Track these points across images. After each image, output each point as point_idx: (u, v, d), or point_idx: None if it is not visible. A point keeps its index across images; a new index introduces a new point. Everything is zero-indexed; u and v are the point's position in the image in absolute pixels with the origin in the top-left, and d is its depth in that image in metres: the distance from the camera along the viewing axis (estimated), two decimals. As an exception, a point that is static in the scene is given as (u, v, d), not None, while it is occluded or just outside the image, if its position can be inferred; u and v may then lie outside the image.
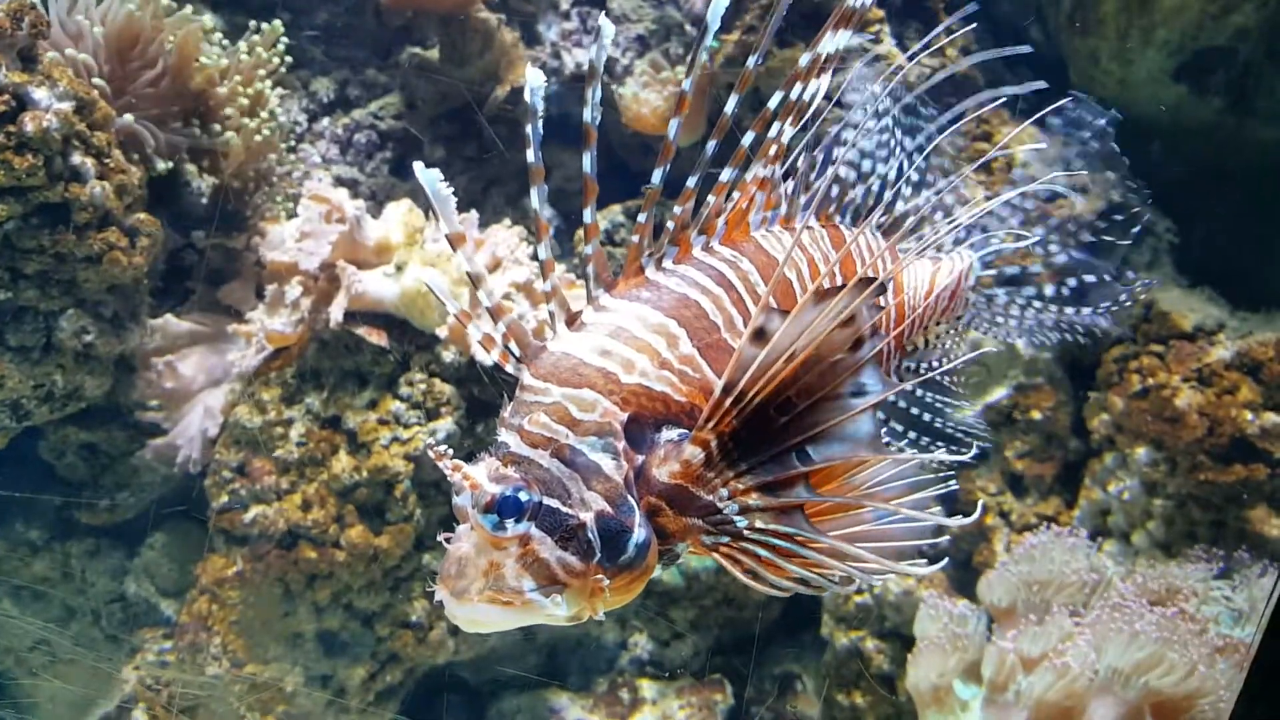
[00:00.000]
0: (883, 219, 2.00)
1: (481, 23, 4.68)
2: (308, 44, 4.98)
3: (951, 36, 1.93)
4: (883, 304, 1.36)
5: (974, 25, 2.07)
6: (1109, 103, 2.21)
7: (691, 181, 1.57)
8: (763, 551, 1.47)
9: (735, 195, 1.64)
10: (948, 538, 3.99)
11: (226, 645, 3.99)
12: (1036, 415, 3.91)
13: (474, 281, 1.50)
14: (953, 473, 1.65)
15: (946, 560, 1.67)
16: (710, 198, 1.62)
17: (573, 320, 1.55)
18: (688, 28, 4.90)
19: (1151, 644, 3.00)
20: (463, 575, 1.41)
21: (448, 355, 4.09)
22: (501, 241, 4.33)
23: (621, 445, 1.45)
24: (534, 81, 1.48)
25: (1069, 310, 2.19)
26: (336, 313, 3.94)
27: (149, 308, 4.36)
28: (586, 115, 1.48)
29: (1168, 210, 4.02)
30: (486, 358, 4.02)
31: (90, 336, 3.92)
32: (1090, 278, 2.18)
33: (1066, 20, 4.12)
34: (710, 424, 1.43)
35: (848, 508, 1.54)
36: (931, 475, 1.59)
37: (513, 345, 1.56)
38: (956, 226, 1.97)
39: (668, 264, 1.59)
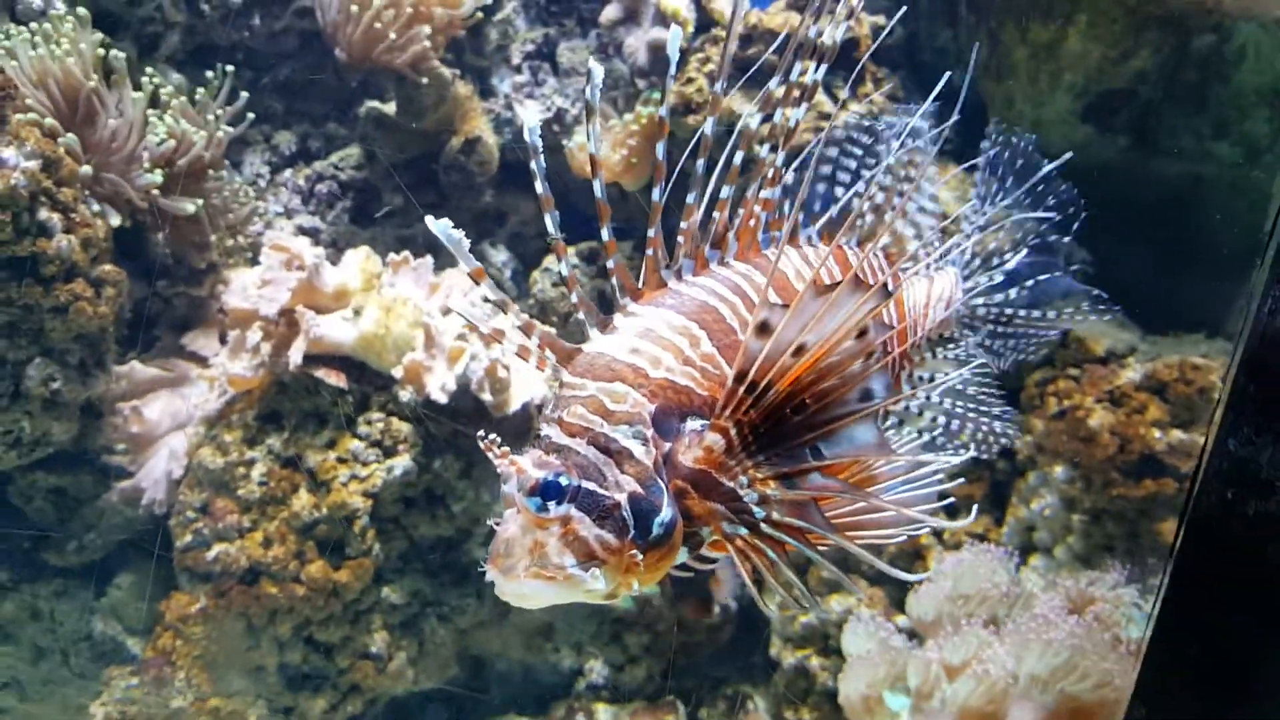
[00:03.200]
0: (887, 242, 2.20)
1: (436, 77, 4.90)
2: (270, 99, 5.19)
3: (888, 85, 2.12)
4: (882, 305, 1.51)
5: (899, 71, 2.28)
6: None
7: (691, 198, 1.73)
8: (772, 553, 1.61)
9: (740, 212, 1.81)
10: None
11: (191, 678, 4.11)
12: (965, 438, 4.10)
13: (501, 307, 1.65)
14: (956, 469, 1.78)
15: (974, 514, 1.84)
16: (715, 214, 1.77)
17: (605, 326, 1.71)
18: (634, 80, 5.14)
19: (1067, 651, 3.17)
20: (510, 554, 1.53)
21: (404, 394, 4.25)
22: (456, 285, 4.52)
23: (650, 433, 1.59)
24: (531, 122, 1.63)
25: (1034, 314, 2.39)
26: (296, 356, 4.11)
27: (115, 354, 4.51)
28: (591, 147, 1.64)
29: (1083, 242, 4.25)
30: (442, 396, 4.20)
31: (57, 384, 4.08)
32: (1044, 276, 2.39)
33: (984, 66, 4.37)
34: (727, 411, 1.57)
35: (861, 485, 1.68)
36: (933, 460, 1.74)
37: (548, 353, 1.69)
38: (954, 246, 2.22)
39: (687, 276, 1.76)
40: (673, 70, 1.64)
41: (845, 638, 3.71)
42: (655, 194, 1.69)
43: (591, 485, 1.55)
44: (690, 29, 4.73)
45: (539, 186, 1.63)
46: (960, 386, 2.26)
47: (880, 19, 4.84)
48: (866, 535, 1.68)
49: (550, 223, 1.66)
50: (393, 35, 4.78)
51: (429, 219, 1.60)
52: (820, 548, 1.63)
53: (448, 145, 5.11)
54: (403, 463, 4.23)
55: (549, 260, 5.21)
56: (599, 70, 1.64)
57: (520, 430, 4.46)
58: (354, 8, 4.74)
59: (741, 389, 1.57)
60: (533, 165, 1.61)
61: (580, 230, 5.21)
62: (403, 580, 4.37)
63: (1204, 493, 1.81)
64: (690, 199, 1.73)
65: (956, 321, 2.32)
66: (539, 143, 1.62)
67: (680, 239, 1.75)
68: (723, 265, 1.80)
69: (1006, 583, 3.53)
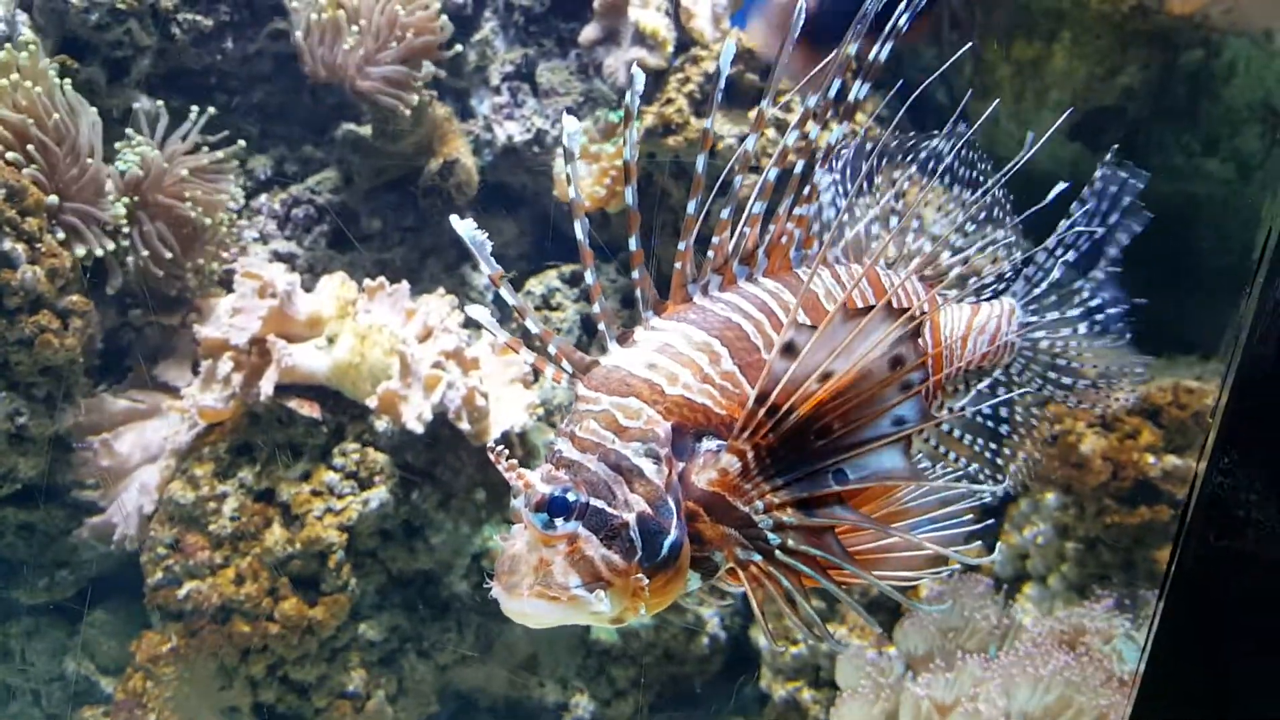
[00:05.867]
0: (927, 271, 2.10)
1: (414, 99, 4.81)
2: (245, 122, 5.10)
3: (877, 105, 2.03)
4: (917, 334, 1.45)
5: (879, 91, 2.19)
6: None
7: (725, 214, 1.68)
8: (786, 582, 1.55)
9: (771, 228, 1.76)
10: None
11: (161, 722, 4.00)
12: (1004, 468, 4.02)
13: (520, 314, 1.59)
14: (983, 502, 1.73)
15: (997, 552, 1.77)
16: (745, 229, 1.72)
17: (625, 339, 1.66)
18: (615, 99, 5.07)
19: (1059, 687, 3.08)
20: (515, 571, 1.48)
21: (381, 425, 4.15)
22: (433, 310, 4.43)
23: (664, 451, 1.54)
24: (570, 127, 1.57)
25: (1098, 343, 2.29)
26: (267, 387, 4.01)
27: (86, 386, 4.41)
28: (627, 154, 1.59)
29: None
30: (418, 426, 4.11)
31: (23, 418, 3.97)
32: (1114, 310, 2.30)
33: (968, 85, 4.30)
34: (745, 434, 1.52)
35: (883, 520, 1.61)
36: (960, 493, 1.68)
37: (565, 364, 1.65)
38: (995, 274, 2.13)
39: (713, 291, 1.71)
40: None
41: (839, 670, 3.61)
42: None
43: (600, 503, 1.50)
44: (670, 49, 4.65)
45: (572, 191, 1.57)
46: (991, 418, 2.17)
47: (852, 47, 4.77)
48: (889, 576, 1.61)
49: (580, 230, 1.60)
50: (362, 52, 4.69)
51: (454, 219, 1.56)
52: (836, 579, 1.56)
53: (426, 167, 5.02)
54: (379, 494, 4.13)
55: (531, 283, 5.12)
56: (641, 77, 1.58)
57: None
58: (328, 31, 4.65)
59: (762, 411, 1.51)
60: (568, 169, 1.57)
61: (566, 252, 5.14)
62: (381, 616, 4.27)
63: (1196, 520, 1.72)
64: (724, 214, 1.68)
65: (1011, 354, 2.21)
66: (576, 147, 1.57)
67: (711, 254, 1.71)
68: (751, 282, 1.75)
69: (995, 615, 3.43)
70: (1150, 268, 4.07)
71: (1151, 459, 3.57)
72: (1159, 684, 1.78)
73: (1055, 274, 2.21)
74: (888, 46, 1.71)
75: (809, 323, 1.48)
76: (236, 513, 4.10)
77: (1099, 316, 2.26)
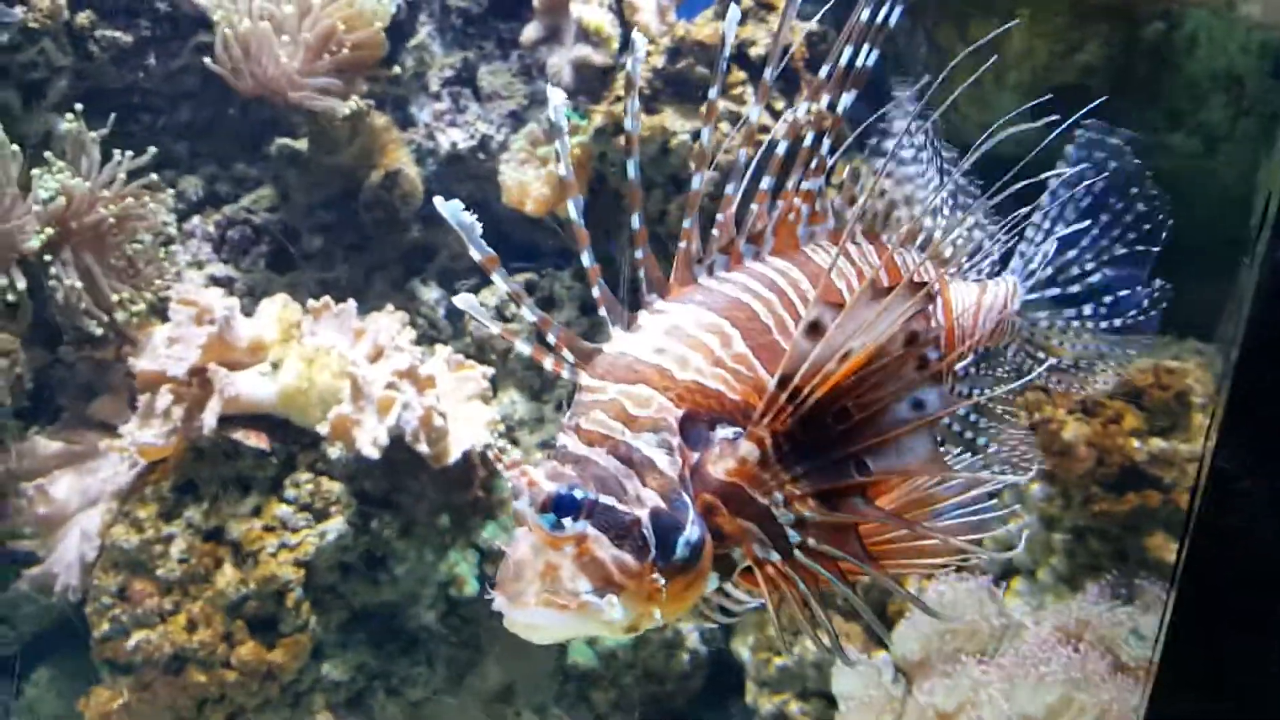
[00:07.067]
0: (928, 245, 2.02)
1: (349, 109, 4.60)
2: (172, 142, 4.85)
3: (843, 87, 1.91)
4: (933, 314, 1.40)
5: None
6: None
7: (730, 189, 1.61)
8: (804, 585, 1.47)
9: (779, 204, 1.69)
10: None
11: (114, 784, 3.76)
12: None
13: (515, 300, 1.51)
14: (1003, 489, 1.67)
15: (1022, 544, 1.78)
16: (753, 206, 1.65)
17: (629, 323, 1.57)
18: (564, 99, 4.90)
19: (1060, 686, 2.97)
20: (519, 578, 1.38)
21: (334, 452, 3.95)
22: (383, 328, 4.23)
23: (676, 441, 1.45)
24: (556, 100, 1.50)
25: (1104, 325, 2.21)
26: (210, 419, 3.79)
27: (16, 429, 4.17)
28: (628, 125, 1.54)
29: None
30: (373, 451, 3.91)
31: (-53, 467, 3.72)
32: (1124, 291, 2.21)
33: (924, 70, 4.19)
34: (765, 420, 1.43)
35: (906, 510, 1.54)
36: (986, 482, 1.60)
37: (566, 353, 1.56)
38: (999, 245, 2.03)
39: (719, 272, 1.63)
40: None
41: (836, 679, 3.48)
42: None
43: (610, 499, 1.40)
44: (615, 45, 4.49)
45: (562, 170, 1.51)
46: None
47: (814, 25, 4.66)
48: (908, 564, 1.54)
49: (573, 209, 1.52)
50: (297, 64, 4.48)
51: (437, 200, 1.46)
52: (855, 580, 1.49)
53: (367, 180, 4.81)
54: (336, 526, 3.93)
55: (485, 294, 4.93)
56: (642, 44, 1.53)
57: (463, 481, 4.17)
58: (254, 43, 4.43)
59: (784, 395, 1.41)
60: (556, 146, 1.50)
61: (518, 262, 4.96)
62: (345, 654, 4.07)
63: (1206, 506, 1.67)
64: (729, 189, 1.62)
65: (1014, 335, 2.13)
66: (564, 122, 1.51)
67: (716, 232, 1.63)
68: (758, 261, 1.67)
69: (995, 614, 3.32)
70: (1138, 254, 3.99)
71: (1136, 443, 3.48)
72: (1173, 672, 1.73)
73: (1050, 248, 2.11)
74: (898, 10, 1.60)
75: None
76: (185, 554, 3.88)
77: (1106, 298, 2.15)
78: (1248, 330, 1.72)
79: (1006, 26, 1.85)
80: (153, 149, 4.24)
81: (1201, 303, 3.61)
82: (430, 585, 4.14)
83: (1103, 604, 3.27)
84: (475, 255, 1.47)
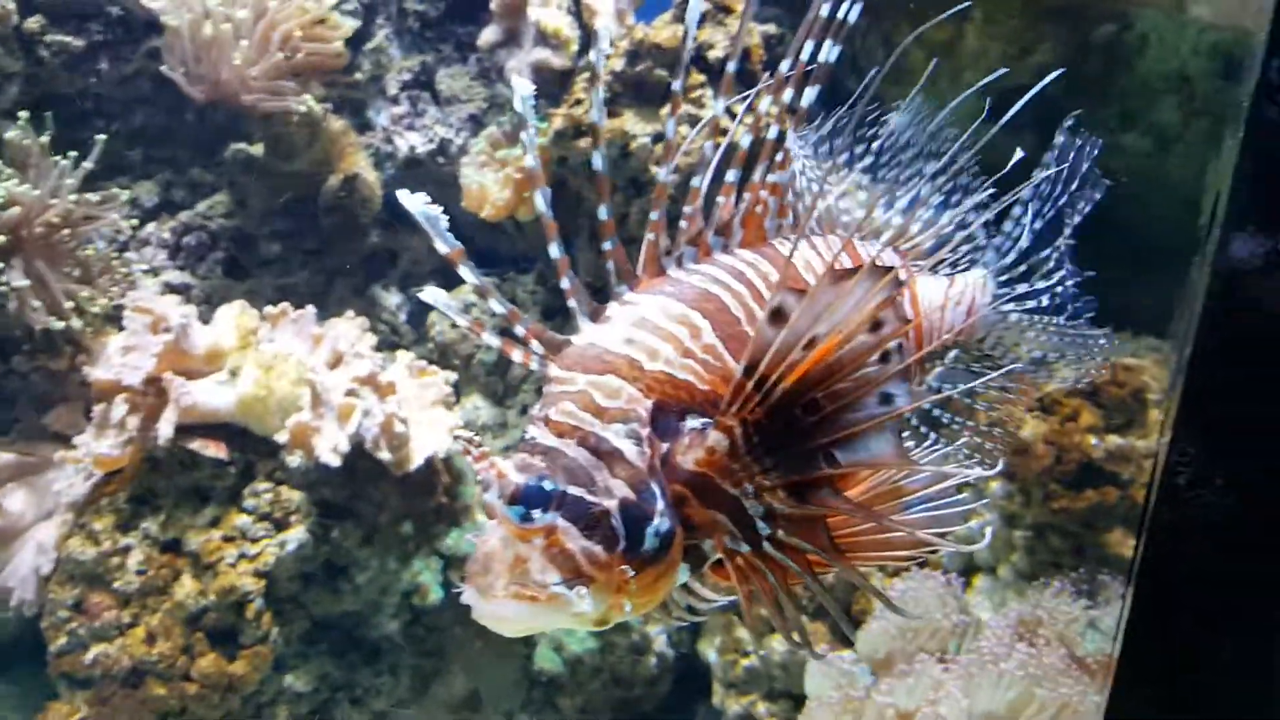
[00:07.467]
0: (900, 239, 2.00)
1: (305, 114, 4.56)
2: (126, 148, 4.78)
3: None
4: (900, 304, 1.39)
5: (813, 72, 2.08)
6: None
7: (697, 181, 1.61)
8: (773, 578, 1.47)
9: (746, 197, 1.69)
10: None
11: (72, 802, 3.69)
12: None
13: (482, 293, 1.51)
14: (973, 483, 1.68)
15: (987, 540, 1.70)
16: (719, 198, 1.65)
17: (597, 314, 1.57)
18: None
19: (1020, 683, 2.99)
20: (488, 571, 1.37)
21: (294, 460, 3.90)
22: (343, 335, 4.19)
23: (646, 432, 1.45)
24: (523, 90, 1.50)
25: (1062, 321, 2.19)
26: (166, 428, 3.74)
27: (-33, 443, 4.09)
28: (593, 115, 1.53)
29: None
30: (334, 459, 3.87)
31: (-105, 482, 3.63)
32: (1071, 284, 2.20)
33: (878, 69, 4.21)
34: (733, 409, 1.42)
35: (874, 503, 1.54)
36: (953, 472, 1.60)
37: (535, 345, 1.55)
38: (967, 239, 2.03)
39: (688, 264, 1.63)
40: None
41: (808, 679, 3.48)
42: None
43: (579, 490, 1.40)
44: (574, 47, 4.48)
45: (529, 160, 1.51)
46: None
47: (771, 28, 4.67)
48: (875, 556, 1.54)
49: (540, 200, 1.51)
50: (254, 72, 4.43)
51: (402, 194, 1.46)
52: (823, 574, 1.50)
53: (325, 185, 4.77)
54: (296, 535, 3.88)
55: (450, 297, 4.88)
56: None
57: (426, 488, 4.14)
58: (207, 48, 4.38)
59: (751, 383, 1.41)
60: (523, 137, 1.51)
61: (478, 262, 4.92)
62: (307, 665, 4.01)
63: (1161, 501, 1.68)
64: (695, 182, 1.62)
65: (985, 328, 2.12)
66: (532, 113, 1.49)
67: (684, 223, 1.63)
68: (727, 253, 1.67)
69: (954, 611, 3.33)
70: (1072, 246, 4.03)
71: (1094, 440, 3.52)
72: (1132, 666, 1.75)
73: (1024, 242, 2.12)
74: (856, 7, 1.61)
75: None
76: (143, 566, 3.82)
77: (1058, 289, 2.17)
78: (1200, 327, 1.74)
79: (955, 9, 1.86)
80: (96, 149, 4.16)
81: (1156, 300, 3.66)
82: (393, 594, 4.11)
83: (1060, 600, 3.29)
84: (441, 248, 1.46)
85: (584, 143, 4.29)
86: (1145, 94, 3.83)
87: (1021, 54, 3.87)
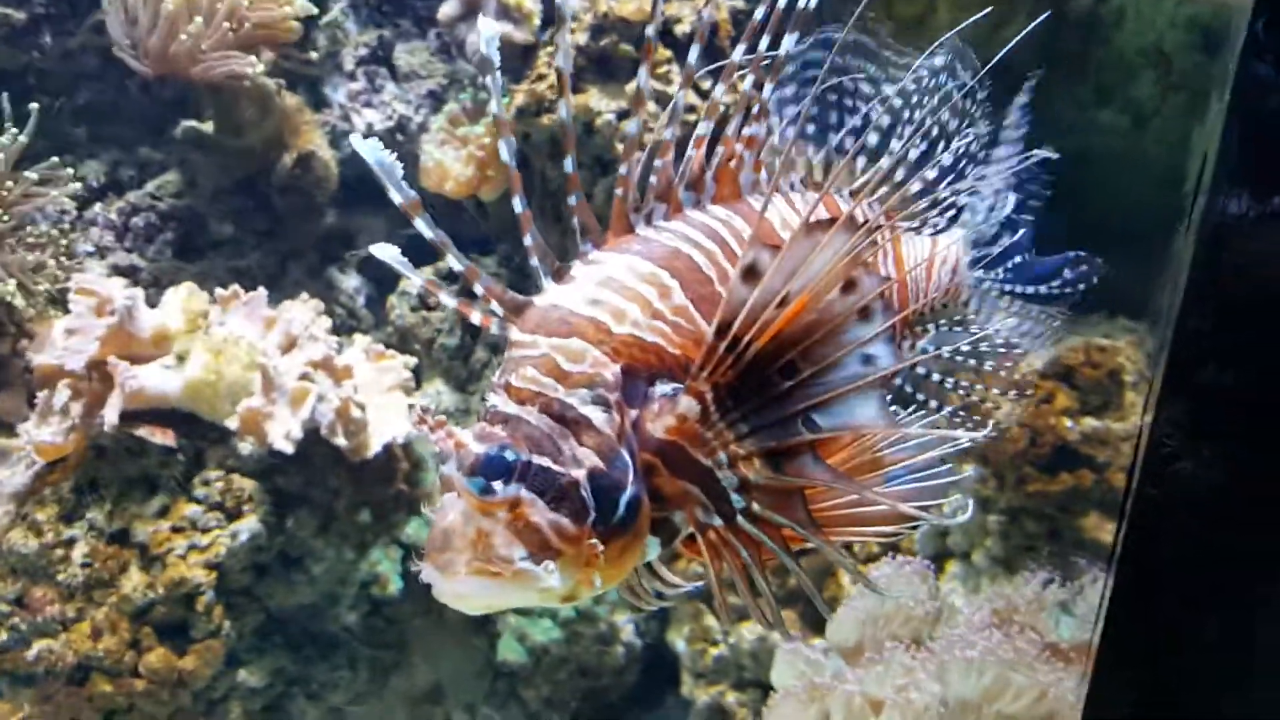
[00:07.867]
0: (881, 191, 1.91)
1: (257, 89, 4.40)
2: (70, 126, 4.61)
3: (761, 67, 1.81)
4: (882, 262, 1.32)
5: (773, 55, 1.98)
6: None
7: (667, 134, 1.52)
8: (746, 554, 1.41)
9: (720, 151, 1.60)
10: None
11: (13, 805, 3.56)
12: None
13: (439, 250, 1.42)
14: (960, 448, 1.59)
15: (970, 513, 1.61)
16: (690, 150, 1.56)
17: (561, 274, 1.48)
18: (480, 80, 4.75)
19: (993, 669, 2.92)
20: (449, 547, 1.30)
21: (245, 447, 3.76)
22: (296, 318, 4.05)
23: (614, 398, 1.38)
24: (488, 32, 1.40)
25: (1020, 289, 2.15)
26: (111, 415, 3.59)
27: (-97, 431, 3.92)
28: (559, 61, 1.43)
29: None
30: (287, 445, 3.73)
31: None
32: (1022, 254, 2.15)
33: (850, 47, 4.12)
34: (705, 372, 1.36)
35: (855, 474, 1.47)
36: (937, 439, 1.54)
37: (494, 306, 1.47)
38: (956, 195, 1.94)
39: (658, 221, 1.55)
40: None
41: (775, 668, 3.40)
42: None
43: (544, 460, 1.32)
44: (536, 21, 4.35)
45: (493, 105, 1.42)
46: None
47: (739, 2, 4.56)
48: (851, 532, 1.46)
49: (505, 150, 1.42)
50: (204, 46, 4.27)
51: (354, 138, 1.39)
52: (799, 550, 1.43)
53: (279, 163, 4.61)
54: (249, 525, 3.74)
55: (405, 283, 4.76)
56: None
57: (384, 475, 4.02)
58: (155, 20, 4.21)
59: (723, 345, 1.34)
60: (487, 80, 1.44)
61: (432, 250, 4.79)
62: (261, 659, 3.89)
63: (1145, 476, 1.63)
64: (666, 134, 1.53)
65: (968, 289, 2.05)
66: (496, 56, 1.39)
67: (654, 179, 1.55)
68: (699, 210, 1.59)
69: (928, 598, 3.26)
70: (1046, 225, 3.96)
71: (1069, 423, 3.45)
72: (1113, 650, 1.69)
73: (1009, 207, 2.04)
74: None
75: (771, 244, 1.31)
76: (88, 559, 3.67)
77: (1016, 257, 2.10)
78: (1185, 296, 1.67)
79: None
80: (31, 121, 4.00)
81: (1132, 280, 3.59)
82: (351, 585, 3.99)
83: (1033, 585, 3.23)
84: (396, 198, 1.37)
85: (548, 119, 4.17)
86: (1122, 69, 3.76)
87: (994, 28, 3.77)
